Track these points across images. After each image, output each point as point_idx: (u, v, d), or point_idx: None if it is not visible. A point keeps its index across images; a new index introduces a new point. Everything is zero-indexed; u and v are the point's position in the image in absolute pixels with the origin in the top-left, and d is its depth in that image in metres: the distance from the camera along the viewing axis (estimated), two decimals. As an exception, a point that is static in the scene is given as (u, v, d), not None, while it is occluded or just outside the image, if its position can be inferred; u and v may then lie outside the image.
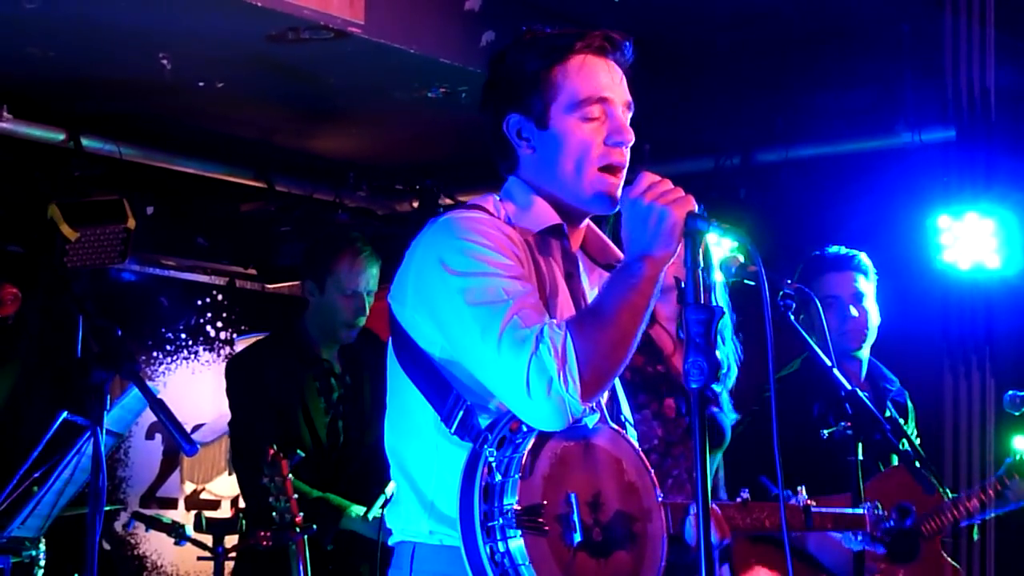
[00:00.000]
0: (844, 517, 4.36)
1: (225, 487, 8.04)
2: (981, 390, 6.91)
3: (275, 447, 5.29)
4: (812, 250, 5.98)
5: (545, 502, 2.94)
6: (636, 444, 3.22)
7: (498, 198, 3.29)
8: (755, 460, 5.15)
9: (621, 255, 3.29)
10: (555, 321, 2.98)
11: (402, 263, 3.22)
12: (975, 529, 5.82)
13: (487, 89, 3.35)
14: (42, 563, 5.43)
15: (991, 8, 6.28)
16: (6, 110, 6.64)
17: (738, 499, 3.82)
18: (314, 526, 5.28)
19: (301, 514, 5.25)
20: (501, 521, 2.90)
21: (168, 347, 8.27)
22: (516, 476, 2.92)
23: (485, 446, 2.98)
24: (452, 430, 3.05)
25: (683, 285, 2.97)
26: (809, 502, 4.16)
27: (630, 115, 3.28)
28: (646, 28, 5.86)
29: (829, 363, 4.65)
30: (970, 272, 6.76)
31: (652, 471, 3.20)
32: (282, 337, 6.12)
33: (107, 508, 3.87)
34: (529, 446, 2.96)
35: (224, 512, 8.21)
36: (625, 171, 3.22)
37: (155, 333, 8.22)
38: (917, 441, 5.24)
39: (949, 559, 5.61)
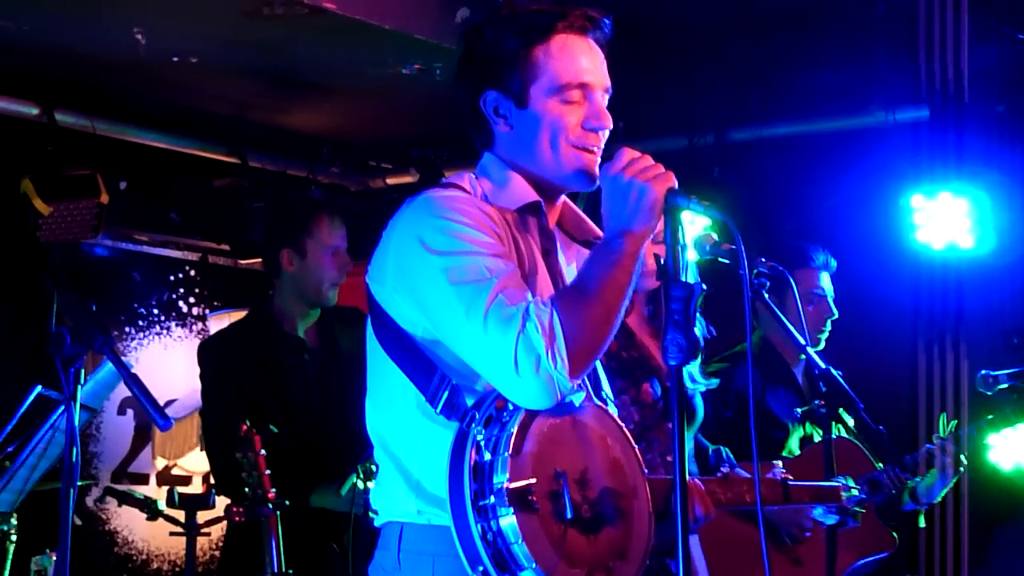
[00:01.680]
0: (821, 490, 4.37)
1: (197, 463, 8.02)
2: (954, 370, 6.92)
3: (247, 423, 5.29)
4: (785, 228, 6.02)
5: (535, 480, 2.92)
6: (619, 421, 3.22)
7: (474, 176, 3.26)
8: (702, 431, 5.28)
9: (597, 230, 3.28)
10: (540, 299, 2.96)
11: (380, 243, 3.18)
12: (920, 516, 5.95)
13: (463, 63, 3.31)
14: (13, 538, 5.41)
15: (965, -12, 6.32)
16: (-21, 84, 6.62)
17: (719, 474, 3.81)
18: (287, 501, 5.28)
19: (273, 489, 5.26)
20: (492, 500, 2.88)
21: (140, 322, 8.24)
22: (506, 454, 2.90)
23: (472, 425, 2.96)
24: (438, 410, 3.03)
25: (662, 262, 2.97)
26: (786, 476, 4.16)
27: (608, 98, 3.26)
28: (620, 6, 5.85)
29: (803, 342, 4.67)
30: (943, 252, 6.77)
31: (636, 448, 3.19)
32: (251, 320, 6.12)
33: (79, 483, 3.84)
34: (517, 424, 2.93)
35: (196, 488, 8.20)
36: (600, 155, 3.19)
37: (127, 308, 8.18)
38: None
39: (884, 524, 5.71)
